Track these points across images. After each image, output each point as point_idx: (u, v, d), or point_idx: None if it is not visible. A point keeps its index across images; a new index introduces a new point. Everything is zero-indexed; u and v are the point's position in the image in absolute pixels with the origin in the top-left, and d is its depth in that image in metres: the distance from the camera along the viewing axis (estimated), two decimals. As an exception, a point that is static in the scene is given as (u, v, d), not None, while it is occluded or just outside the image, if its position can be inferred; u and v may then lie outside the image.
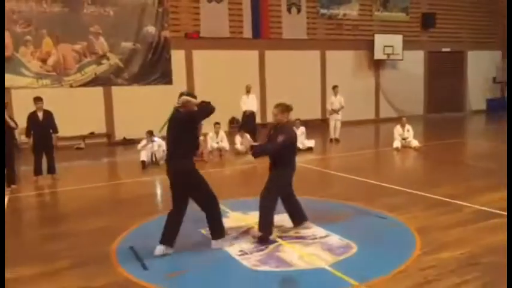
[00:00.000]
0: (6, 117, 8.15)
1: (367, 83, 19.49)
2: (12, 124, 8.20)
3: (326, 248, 4.36)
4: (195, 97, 4.61)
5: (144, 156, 9.79)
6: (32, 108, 8.77)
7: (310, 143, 11.51)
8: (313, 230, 4.92)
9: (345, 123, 13.49)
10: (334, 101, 12.93)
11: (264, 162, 10.24)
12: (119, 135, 14.97)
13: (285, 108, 4.96)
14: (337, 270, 3.83)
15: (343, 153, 11.03)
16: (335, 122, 12.79)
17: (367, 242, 4.48)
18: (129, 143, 14.26)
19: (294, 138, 4.90)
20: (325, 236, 4.70)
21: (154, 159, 9.94)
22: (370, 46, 18.95)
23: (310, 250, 4.34)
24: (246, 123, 12.36)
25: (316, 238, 4.67)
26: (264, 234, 4.60)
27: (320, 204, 6.11)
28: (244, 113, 12.55)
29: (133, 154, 11.35)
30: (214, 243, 4.52)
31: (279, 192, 4.82)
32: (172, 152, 4.47)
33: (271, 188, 4.76)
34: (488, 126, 17.64)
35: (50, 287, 3.72)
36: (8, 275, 3.97)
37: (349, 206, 5.95)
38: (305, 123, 12.16)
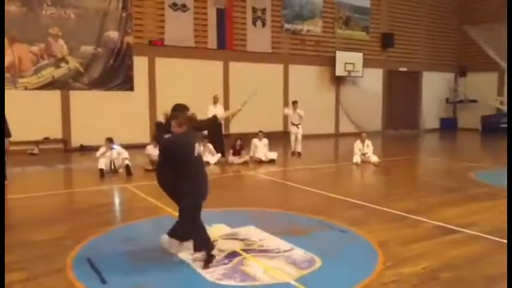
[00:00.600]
0: None
1: (328, 98, 19.91)
2: None
3: (290, 262, 4.33)
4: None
5: (102, 164, 9.46)
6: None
7: (273, 155, 11.56)
8: (278, 243, 4.89)
9: (305, 137, 13.65)
10: (292, 115, 13.05)
11: (227, 172, 10.24)
12: (75, 141, 14.44)
13: (182, 121, 4.40)
14: (302, 285, 3.81)
15: (304, 166, 11.14)
16: (295, 136, 12.89)
17: (331, 256, 4.50)
18: (87, 149, 13.79)
19: (175, 145, 4.32)
20: (290, 250, 4.68)
21: (113, 167, 9.65)
22: (332, 62, 19.41)
23: (275, 264, 4.30)
24: (212, 134, 12.23)
25: (280, 251, 4.64)
26: (206, 254, 4.27)
27: (284, 217, 6.12)
28: None
29: (90, 161, 10.98)
30: (163, 237, 4.46)
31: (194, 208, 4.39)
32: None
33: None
34: (443, 144, 18.39)
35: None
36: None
37: (312, 219, 5.98)
38: (267, 135, 12.22)
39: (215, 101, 12.56)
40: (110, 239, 4.98)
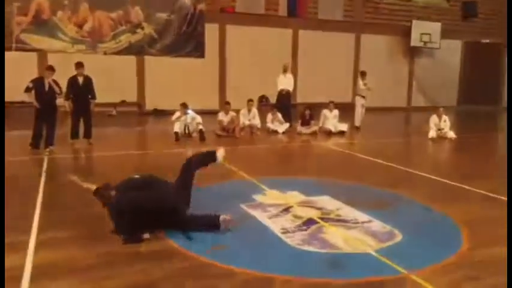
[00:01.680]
0: (51, 81, 8.24)
1: (400, 69, 19.08)
2: (57, 90, 8.29)
3: (370, 233, 4.29)
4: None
5: (177, 127, 9.83)
6: (66, 72, 8.84)
7: (343, 126, 11.35)
8: (355, 214, 4.86)
9: (374, 110, 13.25)
10: (361, 86, 12.62)
11: (296, 142, 10.23)
12: (149, 105, 15.07)
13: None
14: (383, 256, 3.76)
15: (376, 140, 10.85)
16: (362, 109, 12.42)
17: (411, 231, 4.39)
18: (160, 114, 14.33)
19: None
20: (368, 221, 4.63)
21: (187, 131, 9.97)
22: (407, 32, 18.47)
23: (353, 234, 4.28)
24: (280, 102, 12.19)
25: (358, 222, 4.60)
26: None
27: (358, 189, 6.03)
28: (281, 92, 12.31)
29: (164, 125, 11.42)
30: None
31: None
32: None
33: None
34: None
35: (102, 248, 3.76)
36: (50, 235, 4.05)
37: (388, 192, 5.85)
38: (336, 106, 11.96)
39: (285, 69, 12.44)
40: None
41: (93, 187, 4.27)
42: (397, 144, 10.44)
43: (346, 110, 12.84)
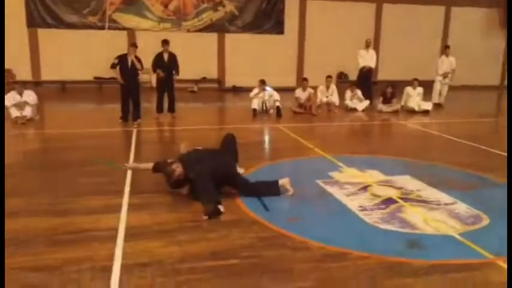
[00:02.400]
0: (134, 58, 8.74)
1: (494, 45, 17.54)
2: (138, 66, 8.79)
3: (454, 216, 4.11)
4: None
5: (255, 104, 9.99)
6: (153, 49, 9.29)
7: (427, 105, 10.81)
8: (438, 195, 4.67)
9: (463, 88, 12.39)
10: (444, 61, 11.84)
11: (376, 120, 9.93)
12: (228, 82, 15.42)
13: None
14: (467, 239, 3.60)
15: (463, 119, 10.19)
16: (441, 86, 11.74)
17: (501, 215, 4.13)
18: (239, 90, 14.63)
19: None
20: (452, 203, 4.43)
21: (264, 108, 10.10)
22: (503, 3, 16.84)
23: (436, 215, 4.13)
24: (361, 79, 11.82)
25: (441, 204, 4.42)
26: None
27: (442, 170, 5.76)
28: (362, 68, 11.94)
29: (242, 102, 11.66)
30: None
31: None
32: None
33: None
34: None
35: (187, 215, 4.02)
36: (141, 200, 4.38)
37: (474, 174, 5.52)
38: (421, 83, 11.36)
39: (367, 45, 12.01)
40: (264, 175, 5.20)
41: (150, 165, 4.65)
42: (485, 125, 9.73)
43: (431, 88, 12.17)
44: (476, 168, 5.79)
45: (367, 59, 11.90)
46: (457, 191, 4.77)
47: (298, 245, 3.45)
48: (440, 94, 11.95)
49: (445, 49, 12.00)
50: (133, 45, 9.01)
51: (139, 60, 8.78)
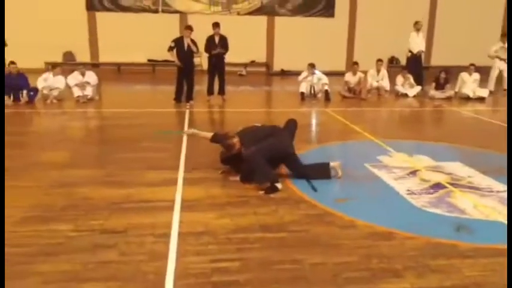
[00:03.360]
0: (189, 41, 9.01)
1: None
2: (194, 49, 9.06)
3: (504, 203, 4.06)
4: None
5: (303, 87, 10.04)
6: (204, 32, 9.50)
7: (483, 92, 10.43)
8: (489, 182, 4.60)
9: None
10: (499, 49, 11.29)
11: (427, 106, 9.70)
12: (277, 65, 15.48)
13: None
14: (518, 226, 3.57)
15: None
16: (499, 72, 11.23)
17: (556, 205, 4.04)
18: (286, 74, 14.68)
19: None
20: (504, 191, 4.36)
21: (313, 91, 10.13)
22: None
23: (486, 202, 4.10)
24: (413, 64, 11.52)
25: (492, 191, 4.36)
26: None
27: (495, 157, 5.63)
28: (416, 53, 11.62)
29: (290, 85, 11.73)
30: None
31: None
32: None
33: None
34: None
35: (237, 191, 4.23)
36: (194, 175, 4.62)
37: (531, 164, 5.36)
38: (477, 69, 10.93)
39: (418, 28, 11.64)
40: (313, 157, 5.24)
41: (209, 135, 4.75)
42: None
43: (488, 74, 11.68)
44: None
45: (419, 42, 11.59)
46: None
47: (345, 223, 3.57)
48: (498, 80, 11.45)
49: (502, 36, 11.43)
50: (188, 27, 9.28)
51: (194, 43, 9.05)
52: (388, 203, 4.09)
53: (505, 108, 9.65)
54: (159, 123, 7.47)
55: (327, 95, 9.88)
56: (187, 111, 8.45)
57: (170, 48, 9.09)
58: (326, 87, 10.00)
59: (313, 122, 8.37)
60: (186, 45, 8.99)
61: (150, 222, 3.46)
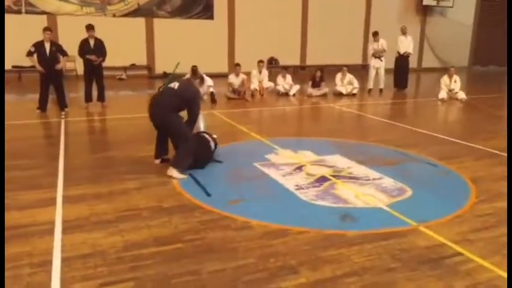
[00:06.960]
0: (51, 44, 8.27)
1: (411, 30, 18.62)
2: (58, 53, 8.33)
3: (381, 190, 4.45)
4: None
5: (191, 90, 9.88)
6: (76, 35, 8.85)
7: (354, 89, 11.36)
8: (366, 171, 5.01)
9: (386, 71, 13.10)
10: (375, 46, 12.42)
11: (306, 104, 10.29)
12: (158, 68, 15.07)
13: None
14: (394, 210, 3.93)
15: (386, 101, 10.88)
16: (377, 70, 12.13)
17: (422, 187, 4.55)
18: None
19: None
20: (379, 178, 4.78)
21: (198, 94, 10.04)
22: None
23: (365, 190, 4.45)
24: (399, 65, 12.48)
25: (369, 179, 4.76)
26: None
27: (368, 148, 6.17)
28: (402, 54, 12.53)
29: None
30: (169, 171, 4.76)
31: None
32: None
33: None
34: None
35: (125, 204, 3.97)
36: (75, 191, 4.26)
37: (398, 151, 5.98)
38: (348, 67, 11.90)
39: (404, 32, 12.61)
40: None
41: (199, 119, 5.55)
42: (407, 105, 10.48)
43: (355, 71, 12.79)
44: (399, 145, 6.27)
45: (406, 45, 12.49)
46: (383, 167, 5.17)
47: (240, 225, 3.57)
48: (377, 79, 12.08)
49: (374, 36, 12.40)
50: (46, 29, 8.43)
51: (59, 46, 8.33)
52: (279, 200, 4.21)
53: (372, 103, 10.69)
54: (27, 136, 6.72)
55: (212, 98, 9.87)
56: (63, 121, 7.76)
57: (29, 53, 8.20)
58: (211, 89, 9.97)
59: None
60: (48, 48, 8.21)
61: (27, 251, 3.07)
